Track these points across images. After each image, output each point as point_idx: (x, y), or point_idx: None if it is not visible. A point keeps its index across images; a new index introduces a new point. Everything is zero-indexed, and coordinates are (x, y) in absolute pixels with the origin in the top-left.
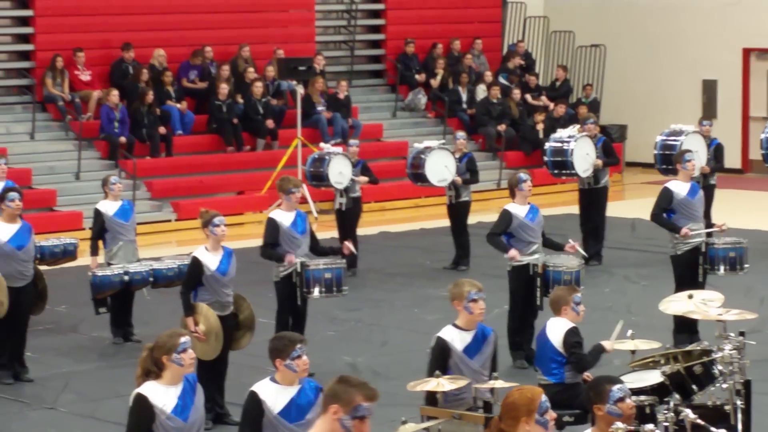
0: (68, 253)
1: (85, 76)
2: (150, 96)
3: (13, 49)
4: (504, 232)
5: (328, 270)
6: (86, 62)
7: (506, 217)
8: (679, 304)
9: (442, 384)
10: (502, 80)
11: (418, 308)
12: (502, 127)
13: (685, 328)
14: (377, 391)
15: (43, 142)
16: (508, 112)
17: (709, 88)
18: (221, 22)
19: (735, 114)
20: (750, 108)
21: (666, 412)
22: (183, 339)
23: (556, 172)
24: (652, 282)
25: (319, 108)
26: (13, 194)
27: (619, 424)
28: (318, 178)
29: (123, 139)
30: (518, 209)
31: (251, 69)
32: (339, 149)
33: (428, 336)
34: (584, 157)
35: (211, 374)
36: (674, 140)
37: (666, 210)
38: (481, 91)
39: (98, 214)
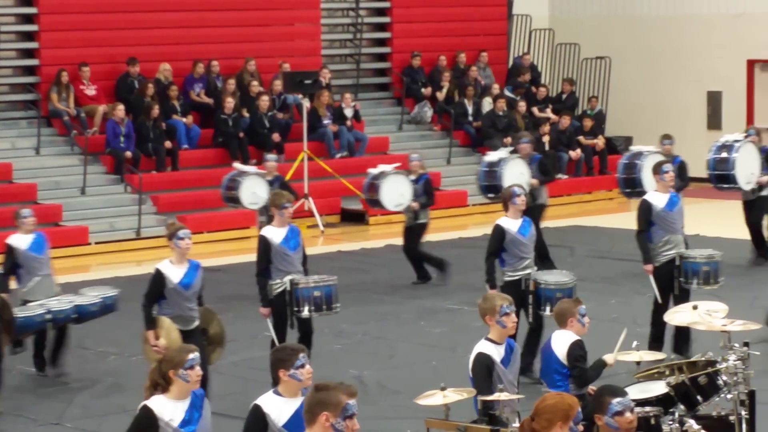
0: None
1: (91, 90)
2: (156, 110)
3: (18, 64)
4: (498, 249)
5: (318, 288)
6: (91, 77)
7: (498, 232)
8: (683, 315)
9: (449, 396)
10: (507, 93)
11: (425, 321)
12: (507, 140)
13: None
14: (356, 387)
15: (48, 157)
16: (513, 125)
17: (714, 100)
18: (227, 36)
19: (740, 125)
20: (755, 119)
21: (671, 422)
22: (191, 356)
23: (491, 196)
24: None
25: (325, 121)
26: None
27: None
28: (233, 200)
29: (129, 153)
30: (510, 223)
31: (256, 83)
32: (253, 168)
33: (435, 349)
34: (518, 177)
35: None
36: (637, 162)
37: (649, 224)
38: (486, 104)
39: (10, 249)
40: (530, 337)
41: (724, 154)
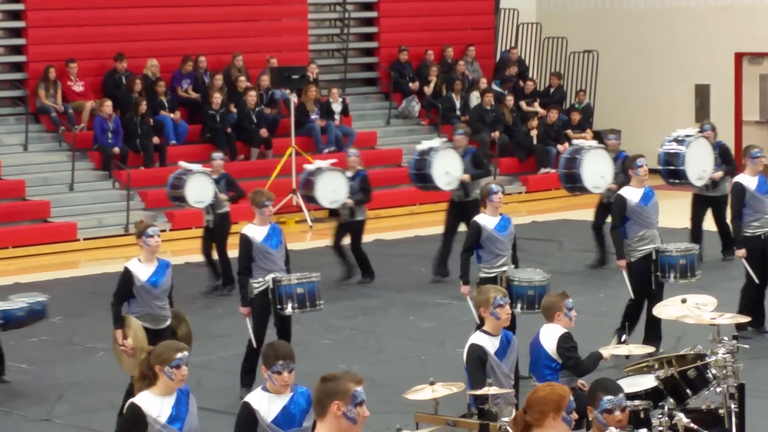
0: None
1: (78, 86)
2: (143, 106)
3: (6, 61)
4: (474, 245)
5: (301, 285)
6: (79, 73)
7: (475, 228)
8: (672, 308)
9: (438, 391)
10: (495, 87)
11: (413, 316)
12: (495, 134)
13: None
14: (361, 375)
15: (36, 154)
16: (501, 119)
17: (702, 93)
18: (214, 32)
19: (728, 118)
20: (743, 112)
21: (660, 416)
22: (180, 355)
23: (420, 185)
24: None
25: (313, 116)
26: None
27: (613, 429)
28: (178, 199)
29: (116, 149)
30: (488, 221)
31: (243, 78)
32: (198, 166)
33: (424, 343)
34: (445, 173)
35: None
36: (577, 157)
37: (624, 219)
38: (474, 98)
39: None
40: None
41: (675, 149)
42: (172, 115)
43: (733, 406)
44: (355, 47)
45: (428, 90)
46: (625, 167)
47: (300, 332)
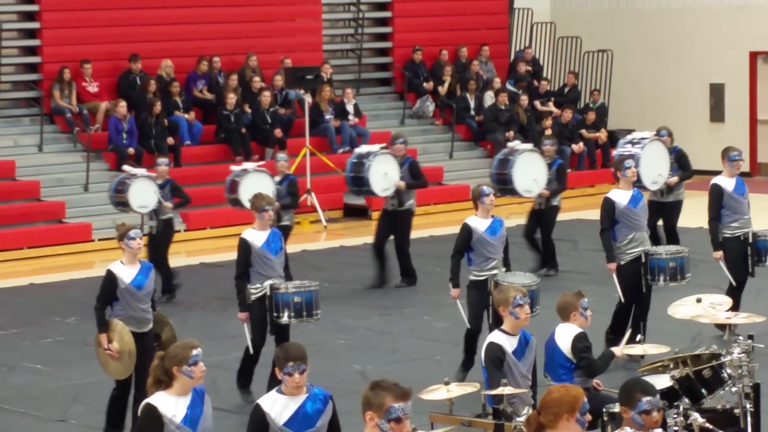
0: None
1: (93, 87)
2: (158, 107)
3: (21, 62)
4: (465, 248)
5: (298, 294)
6: (93, 74)
7: (465, 231)
8: (687, 308)
9: (453, 390)
10: (509, 87)
11: (428, 315)
12: (510, 134)
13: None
14: (410, 390)
15: (51, 155)
16: (516, 119)
17: (717, 92)
18: (228, 32)
19: (742, 117)
20: (757, 111)
21: (675, 416)
22: (195, 352)
23: (355, 189)
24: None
25: (327, 116)
26: None
27: (628, 429)
28: (122, 204)
29: (131, 150)
30: (478, 223)
31: (258, 78)
32: (142, 171)
33: (438, 343)
34: (383, 176)
35: (126, 393)
36: (510, 158)
37: (612, 222)
38: (488, 98)
39: None
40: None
41: (629, 150)
42: (186, 116)
43: (748, 405)
44: (369, 47)
45: (442, 90)
46: (613, 168)
47: (314, 332)
